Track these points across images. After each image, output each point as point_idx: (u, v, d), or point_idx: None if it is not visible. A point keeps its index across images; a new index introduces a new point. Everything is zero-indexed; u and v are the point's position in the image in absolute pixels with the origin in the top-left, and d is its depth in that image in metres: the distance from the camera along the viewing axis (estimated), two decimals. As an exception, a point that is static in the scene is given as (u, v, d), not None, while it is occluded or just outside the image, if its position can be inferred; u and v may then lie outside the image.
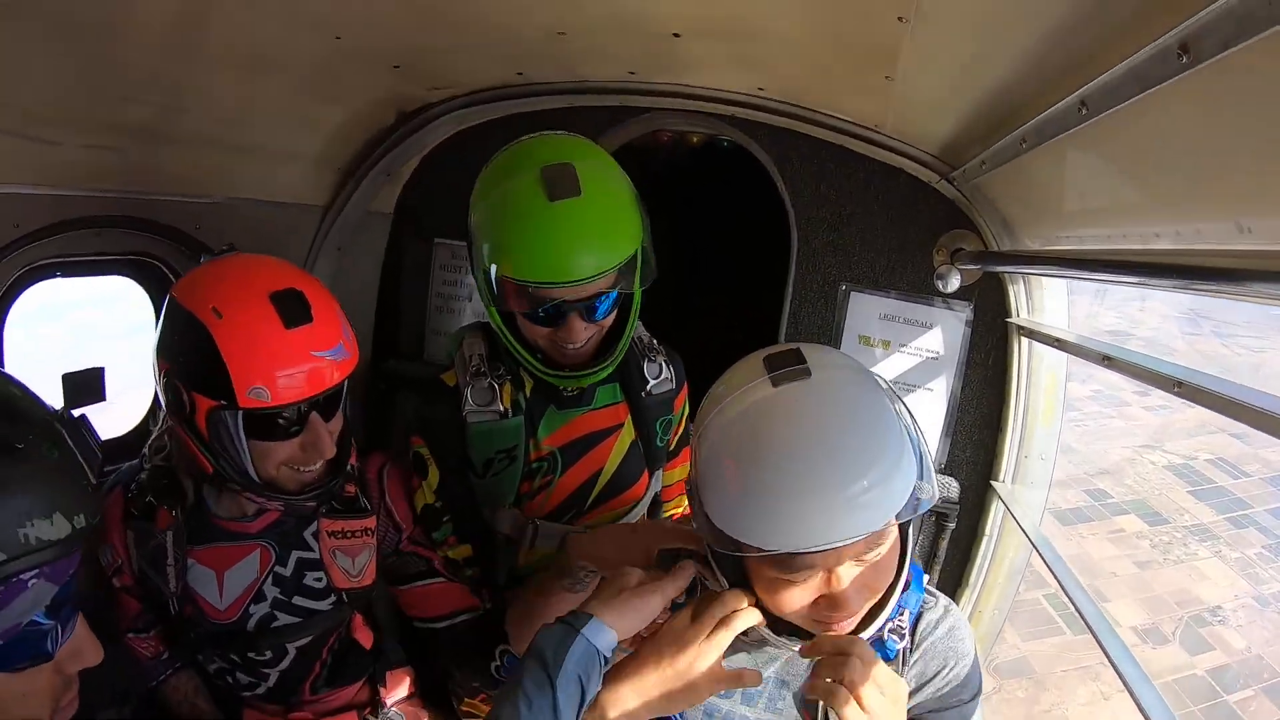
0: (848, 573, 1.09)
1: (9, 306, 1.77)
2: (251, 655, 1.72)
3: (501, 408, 1.67)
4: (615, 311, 1.60)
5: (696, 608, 1.18)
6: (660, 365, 1.84)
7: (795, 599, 1.12)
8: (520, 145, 1.55)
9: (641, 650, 1.17)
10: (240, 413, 1.43)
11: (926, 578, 1.35)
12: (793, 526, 1.01)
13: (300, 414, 1.50)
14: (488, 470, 1.70)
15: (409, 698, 2.05)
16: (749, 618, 1.16)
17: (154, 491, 1.62)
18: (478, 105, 2.44)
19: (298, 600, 1.71)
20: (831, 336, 2.39)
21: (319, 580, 1.72)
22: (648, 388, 1.81)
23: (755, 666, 1.26)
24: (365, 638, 1.90)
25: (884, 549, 1.09)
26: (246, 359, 1.39)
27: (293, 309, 1.44)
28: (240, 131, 2.04)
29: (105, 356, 2.00)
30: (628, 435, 1.83)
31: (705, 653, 1.13)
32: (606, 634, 1.12)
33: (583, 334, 1.55)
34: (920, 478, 1.07)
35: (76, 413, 0.94)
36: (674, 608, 1.25)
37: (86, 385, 1.91)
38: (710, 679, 1.14)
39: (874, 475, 1.01)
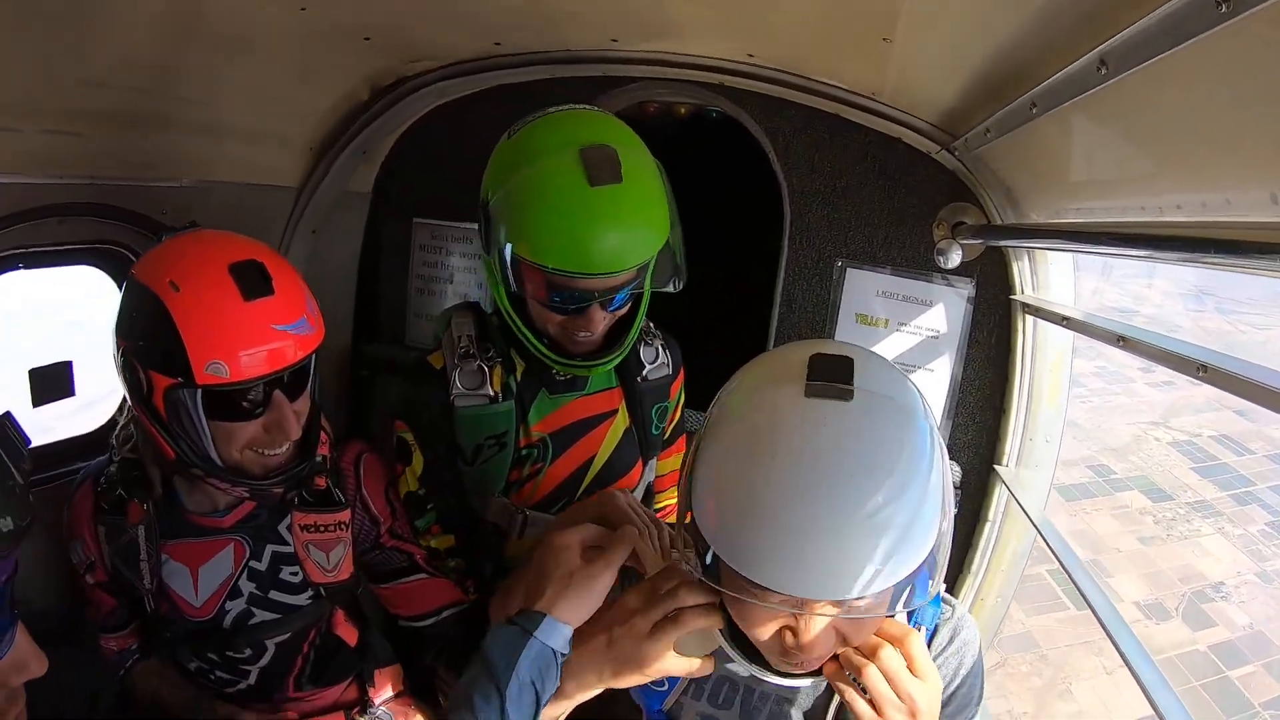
0: (820, 620, 0.98)
1: None
2: (230, 653, 1.67)
3: (491, 391, 1.60)
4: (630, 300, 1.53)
5: (651, 588, 1.11)
6: (656, 349, 1.77)
7: (757, 622, 1.02)
8: (552, 118, 1.45)
9: (592, 628, 1.12)
10: (199, 391, 1.35)
11: (943, 586, 1.27)
12: (760, 557, 0.91)
13: (263, 392, 1.42)
14: (477, 457, 1.63)
15: (397, 696, 2.00)
16: (705, 620, 1.08)
17: (124, 484, 1.56)
18: (455, 78, 2.33)
19: (274, 595, 1.65)
20: (828, 315, 2.30)
21: (295, 574, 1.66)
22: (644, 372, 1.74)
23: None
24: (349, 634, 1.84)
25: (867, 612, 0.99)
26: (203, 333, 1.32)
27: (252, 280, 1.36)
28: (206, 112, 1.95)
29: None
30: (621, 422, 1.76)
31: (653, 640, 1.07)
32: (561, 631, 1.07)
33: (601, 324, 1.48)
34: (927, 574, 0.95)
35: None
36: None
37: (54, 380, 1.85)
38: (660, 662, 1.09)
39: (867, 547, 0.89)
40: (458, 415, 1.59)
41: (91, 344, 1.61)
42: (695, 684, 1.30)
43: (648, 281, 1.50)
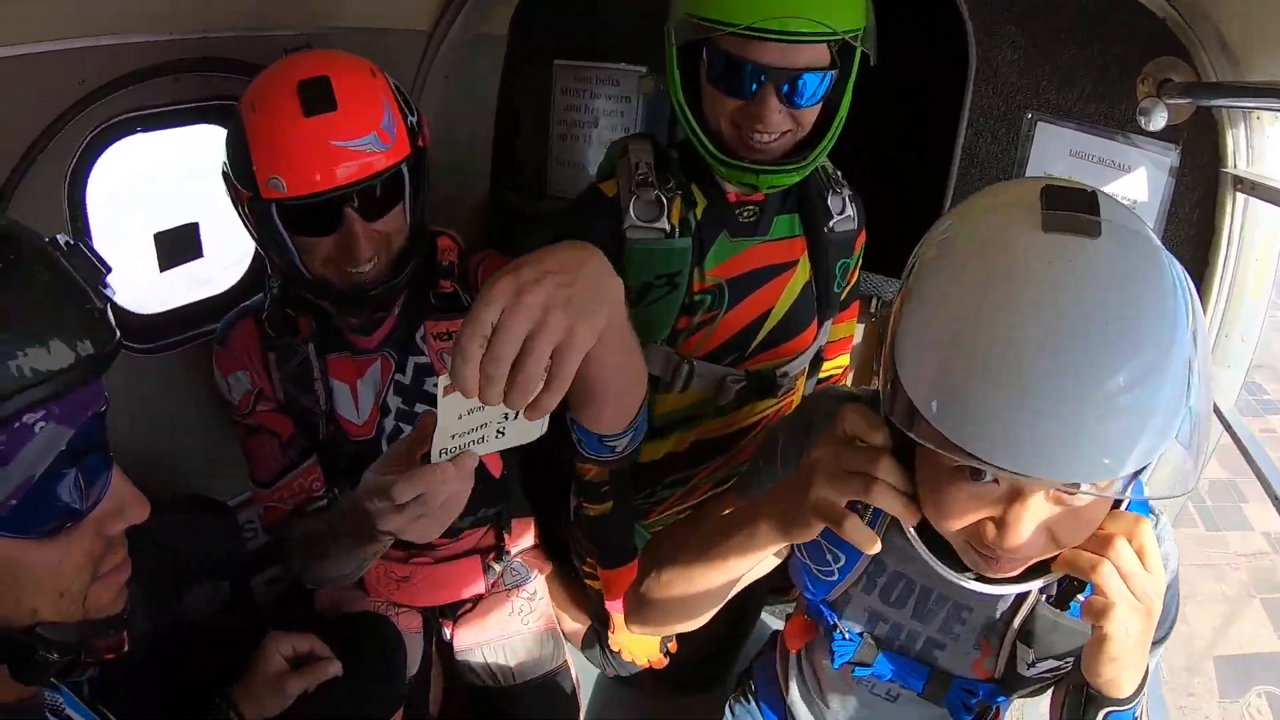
0: (1037, 506, 0.83)
1: (89, 170, 1.67)
2: None
3: (668, 226, 1.47)
4: (818, 109, 1.39)
5: (845, 441, 0.95)
6: (844, 200, 1.63)
7: (955, 510, 0.87)
8: None
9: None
10: (272, 205, 1.40)
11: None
12: (988, 425, 0.74)
13: (333, 208, 1.42)
14: (644, 297, 1.52)
15: (533, 548, 2.03)
16: (898, 507, 0.91)
17: (289, 304, 1.61)
18: None
19: (420, 408, 1.69)
20: (1013, 172, 2.07)
21: (435, 386, 1.67)
22: (831, 223, 1.61)
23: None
24: (493, 462, 1.83)
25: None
26: (265, 148, 1.38)
27: (314, 97, 1.37)
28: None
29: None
30: (802, 274, 1.63)
31: (833, 488, 0.93)
32: None
33: (775, 118, 1.34)
34: (1183, 441, 0.77)
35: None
36: None
37: (182, 242, 1.86)
38: (833, 515, 0.94)
39: (1128, 419, 0.72)
40: (629, 248, 1.47)
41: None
42: (868, 577, 1.19)
43: (845, 100, 1.35)
